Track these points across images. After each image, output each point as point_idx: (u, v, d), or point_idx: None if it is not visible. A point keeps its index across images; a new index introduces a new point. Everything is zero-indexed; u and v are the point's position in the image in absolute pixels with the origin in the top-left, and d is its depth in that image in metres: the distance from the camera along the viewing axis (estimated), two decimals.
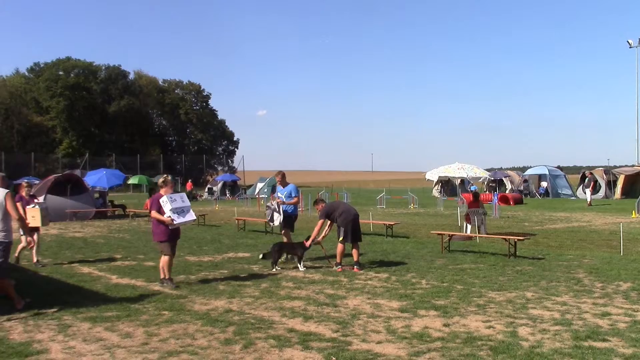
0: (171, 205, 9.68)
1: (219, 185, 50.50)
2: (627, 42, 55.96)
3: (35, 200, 12.88)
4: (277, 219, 12.49)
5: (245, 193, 47.63)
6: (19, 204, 11.03)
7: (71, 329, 7.03)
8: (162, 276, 9.92)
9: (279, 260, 11.70)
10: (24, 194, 12.41)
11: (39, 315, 7.75)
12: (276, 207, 12.47)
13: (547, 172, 44.32)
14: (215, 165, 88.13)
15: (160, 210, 9.68)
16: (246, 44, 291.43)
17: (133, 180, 47.80)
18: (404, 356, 5.91)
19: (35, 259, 12.22)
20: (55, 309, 8.01)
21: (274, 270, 11.32)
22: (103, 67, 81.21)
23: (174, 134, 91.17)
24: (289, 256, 12.13)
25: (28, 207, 12.08)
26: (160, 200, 9.72)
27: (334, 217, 11.61)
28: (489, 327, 6.99)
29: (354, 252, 11.49)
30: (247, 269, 11.59)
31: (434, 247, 14.36)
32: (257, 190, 47.93)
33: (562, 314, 7.59)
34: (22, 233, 10.62)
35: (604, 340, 6.36)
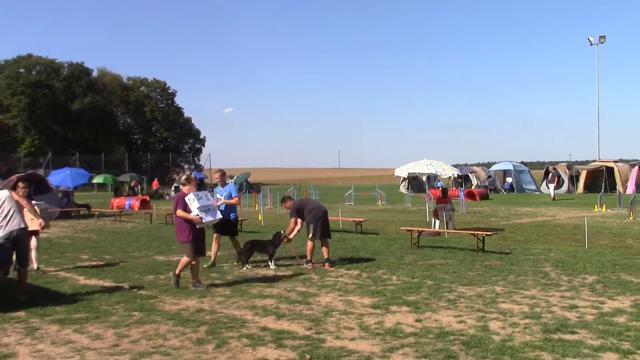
0: (198, 203, 9.26)
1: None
2: (588, 39, 57.10)
3: (33, 201, 11.71)
4: (207, 219, 10.16)
5: (212, 191, 47.30)
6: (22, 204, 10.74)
7: (39, 332, 6.89)
8: (174, 272, 9.57)
9: (249, 258, 11.65)
10: (20, 194, 11.27)
11: (5, 318, 7.57)
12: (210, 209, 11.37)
13: (512, 168, 45.00)
14: (182, 164, 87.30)
15: (186, 209, 9.27)
16: (212, 41, 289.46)
17: (98, 179, 47.04)
18: (377, 352, 5.93)
19: (35, 265, 11.13)
20: (22, 312, 7.83)
21: (245, 268, 11.27)
22: (66, 65, 79.65)
23: (139, 132, 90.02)
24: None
25: (25, 209, 11.15)
26: (186, 199, 9.29)
27: (304, 214, 11.58)
28: (461, 321, 7.06)
29: (324, 249, 11.50)
30: (218, 267, 11.51)
31: (403, 243, 14.45)
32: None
33: (531, 307, 7.71)
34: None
35: (573, 332, 6.48)
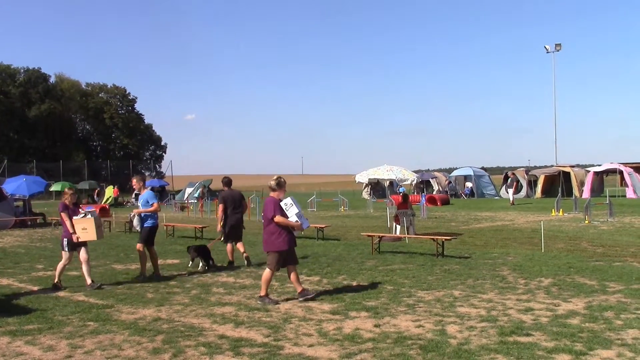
0: (297, 208, 8.74)
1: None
2: (545, 47, 58.46)
3: (82, 209, 10.83)
4: (305, 225, 10.20)
5: (174, 198, 46.72)
6: (64, 215, 10.23)
7: None
8: (262, 294, 8.76)
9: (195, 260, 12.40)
10: (67, 202, 10.44)
11: None
12: (134, 217, 11.39)
13: (472, 173, 45.65)
14: (143, 171, 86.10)
15: (282, 215, 8.70)
16: (173, 47, 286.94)
17: (56, 187, 46.17)
18: (335, 358, 5.92)
19: (89, 281, 10.15)
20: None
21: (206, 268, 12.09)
22: (22, 70, 77.98)
23: (99, 139, 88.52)
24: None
25: (77, 218, 10.30)
26: (282, 204, 8.73)
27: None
28: (419, 326, 7.10)
29: (239, 247, 12.63)
30: (177, 275, 11.37)
31: (364, 248, 14.50)
32: (186, 195, 47.18)
33: (488, 310, 7.81)
34: (64, 248, 10.33)
35: (528, 334, 6.58)
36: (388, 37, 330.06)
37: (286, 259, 8.86)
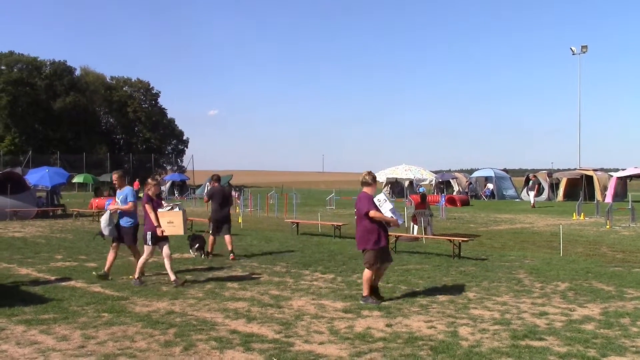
0: (390, 204, 8.51)
1: (167, 184, 49.75)
2: (571, 49, 57.75)
3: (165, 202, 10.36)
4: (106, 228, 10.46)
5: (194, 193, 47.05)
6: (148, 207, 9.71)
7: (4, 332, 6.79)
8: (365, 294, 8.43)
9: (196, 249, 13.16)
10: (151, 193, 9.97)
11: None
12: (107, 215, 10.54)
13: (493, 175, 45.25)
14: (164, 165, 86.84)
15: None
16: (197, 43, 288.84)
17: (78, 179, 46.75)
18: (345, 357, 5.92)
19: (172, 277, 9.70)
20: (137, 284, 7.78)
21: (208, 258, 12.84)
22: (48, 63, 78.94)
23: (122, 132, 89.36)
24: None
25: (163, 210, 9.82)
26: (376, 199, 8.48)
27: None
28: (431, 327, 7.07)
29: (226, 240, 12.95)
30: (192, 270, 11.43)
31: None
32: (206, 190, 47.47)
33: (501, 313, 7.75)
34: (147, 242, 9.82)
35: (541, 339, 6.51)
36: (413, 35, 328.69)
37: (382, 257, 8.56)
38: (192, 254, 13.17)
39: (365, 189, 8.65)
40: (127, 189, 10.60)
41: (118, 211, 10.46)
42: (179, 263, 12.20)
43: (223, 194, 13.36)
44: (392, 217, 8.43)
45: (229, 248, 12.93)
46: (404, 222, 8.53)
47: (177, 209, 9.92)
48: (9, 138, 71.34)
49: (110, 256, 10.52)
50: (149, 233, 9.77)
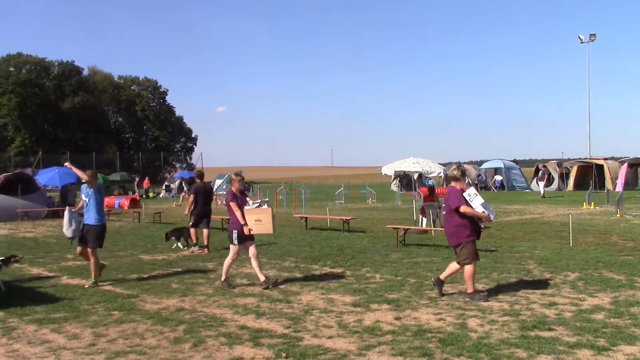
0: (481, 198, 8.27)
1: (177, 182, 49.85)
2: (579, 37, 57.33)
3: (250, 199, 9.68)
4: (69, 229, 10.14)
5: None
6: (233, 204, 9.16)
7: (16, 332, 6.85)
8: (470, 291, 8.17)
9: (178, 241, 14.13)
10: (235, 189, 9.42)
11: None
12: (68, 215, 10.15)
13: (502, 166, 45.08)
14: (173, 162, 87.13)
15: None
16: (204, 40, 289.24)
17: None
18: (354, 350, 5.93)
19: (262, 278, 9.26)
20: (0, 312, 7.79)
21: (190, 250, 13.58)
22: (56, 63, 79.36)
23: (131, 131, 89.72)
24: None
25: (250, 208, 9.30)
26: (466, 194, 8.27)
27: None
28: (440, 319, 7.07)
29: (205, 233, 13.72)
30: (202, 266, 11.48)
31: (389, 241, 14.45)
32: (215, 187, 47.54)
33: (511, 304, 7.73)
34: (233, 242, 9.26)
35: (550, 329, 6.50)
36: (420, 29, 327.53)
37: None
38: (179, 246, 14.13)
39: (454, 184, 8.49)
40: (97, 187, 9.91)
41: (83, 210, 9.91)
42: (188, 261, 12.27)
43: (205, 190, 14.24)
44: (483, 212, 8.16)
45: (205, 243, 13.72)
46: (495, 216, 8.29)
47: (265, 205, 9.49)
48: (19, 139, 71.81)
49: (91, 261, 9.74)
50: (234, 232, 9.23)
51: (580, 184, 39.89)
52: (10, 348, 6.25)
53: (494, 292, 8.54)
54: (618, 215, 20.20)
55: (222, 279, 9.43)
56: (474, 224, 8.28)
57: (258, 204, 9.48)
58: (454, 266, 8.46)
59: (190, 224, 13.97)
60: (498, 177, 44.27)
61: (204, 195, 13.99)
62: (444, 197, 8.65)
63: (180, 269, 11.13)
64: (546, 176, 36.90)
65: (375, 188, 40.18)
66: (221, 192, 41.15)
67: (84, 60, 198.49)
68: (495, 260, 11.39)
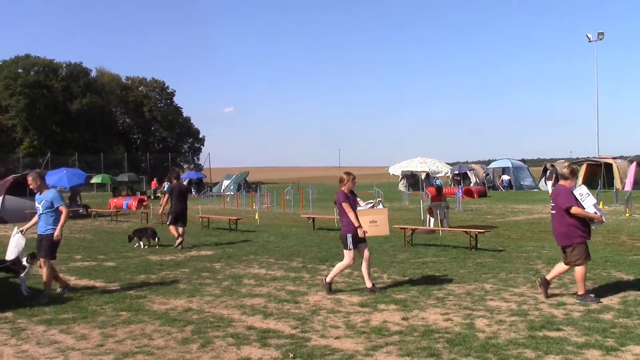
0: (594, 198, 8.06)
1: (184, 182, 50.00)
2: (587, 36, 57.05)
3: (361, 201, 9.16)
4: (14, 250, 9.41)
5: (211, 190, 47.27)
6: (346, 205, 8.61)
7: (25, 332, 6.89)
8: (581, 292, 7.86)
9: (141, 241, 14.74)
10: (346, 189, 8.86)
11: None
12: (18, 237, 9.45)
13: (510, 165, 44.94)
14: (181, 163, 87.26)
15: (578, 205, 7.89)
16: (212, 41, 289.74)
17: (96, 179, 47.08)
18: (361, 351, 5.92)
19: (369, 284, 8.72)
20: (9, 312, 7.83)
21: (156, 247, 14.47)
22: (64, 65, 79.57)
23: (138, 132, 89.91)
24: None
25: (363, 209, 8.89)
26: (577, 193, 8.06)
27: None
28: (447, 319, 7.06)
29: (179, 230, 14.50)
30: (210, 267, 11.50)
31: (397, 241, 14.43)
32: (223, 188, 47.65)
33: (519, 304, 7.71)
34: (348, 246, 8.64)
35: (558, 329, 6.47)
36: (427, 27, 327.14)
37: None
38: (143, 245, 14.76)
39: (563, 182, 8.28)
40: (51, 192, 9.22)
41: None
42: (196, 261, 12.29)
43: (180, 190, 15.12)
44: (595, 212, 7.89)
45: (180, 240, 14.48)
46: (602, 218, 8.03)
47: (380, 206, 9.05)
48: (27, 140, 72.11)
49: (43, 272, 9.00)
50: (349, 235, 8.59)
51: (588, 183, 39.58)
52: (20, 349, 6.28)
53: (501, 291, 8.52)
54: (627, 215, 20.10)
55: (328, 280, 8.81)
56: (585, 223, 8.02)
57: (372, 204, 9.09)
58: (561, 267, 8.20)
59: (168, 222, 14.93)
60: (505, 177, 44.14)
61: (178, 195, 14.81)
62: (552, 195, 8.37)
63: (188, 270, 11.16)
64: (554, 175, 36.72)
65: (383, 188, 40.16)
66: (229, 193, 41.28)
67: (91, 61, 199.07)
68: (503, 260, 11.36)
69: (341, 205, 8.70)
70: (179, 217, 14.71)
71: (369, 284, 8.71)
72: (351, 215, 8.59)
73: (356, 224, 8.55)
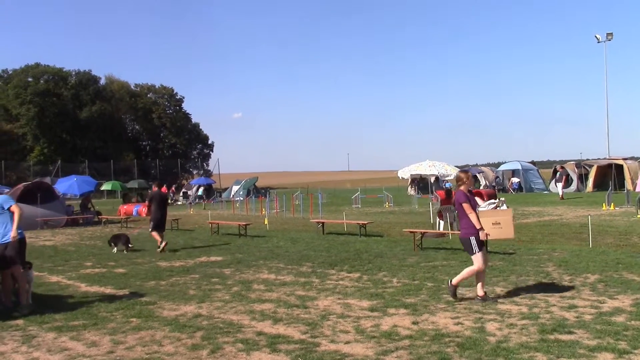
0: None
1: (194, 189, 50.10)
2: (596, 37, 56.80)
3: (481, 200, 8.24)
4: None
5: (220, 196, 47.35)
6: (467, 206, 8.11)
7: (36, 340, 6.91)
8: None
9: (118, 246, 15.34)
10: (465, 189, 8.32)
11: (4, 326, 7.60)
12: None
13: (520, 168, 44.75)
14: (191, 169, 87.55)
15: None
16: (220, 47, 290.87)
17: (106, 186, 47.32)
18: (371, 355, 5.90)
19: (481, 292, 8.18)
20: (21, 320, 7.86)
21: (124, 252, 15.00)
22: (73, 73, 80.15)
23: (148, 138, 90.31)
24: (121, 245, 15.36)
25: (484, 209, 8.28)
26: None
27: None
28: (458, 323, 7.02)
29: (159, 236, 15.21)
30: (219, 272, 11.50)
31: (406, 245, 14.40)
32: (232, 193, 47.71)
33: (529, 308, 7.65)
34: (474, 250, 8.11)
35: (570, 332, 6.42)
36: (434, 30, 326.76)
37: None
38: (117, 250, 15.31)
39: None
40: (2, 197, 8.79)
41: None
42: (206, 266, 12.30)
43: (160, 197, 15.80)
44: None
45: (164, 244, 15.03)
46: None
47: (504, 206, 8.35)
48: (38, 148, 72.60)
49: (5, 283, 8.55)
50: (472, 239, 8.09)
51: (599, 185, 39.46)
52: (30, 356, 6.30)
53: (512, 294, 8.47)
54: (638, 216, 19.95)
55: (480, 294, 8.16)
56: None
57: (494, 205, 8.32)
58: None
59: (150, 229, 15.62)
60: (515, 179, 43.95)
61: (158, 202, 15.60)
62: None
63: (197, 276, 11.17)
64: (564, 177, 36.59)
65: (392, 192, 40.05)
66: (238, 198, 41.31)
67: (100, 69, 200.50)
68: (514, 262, 11.29)
69: (461, 205, 8.19)
70: (159, 223, 15.46)
71: (480, 292, 8.17)
72: (472, 216, 8.10)
73: (478, 226, 8.06)
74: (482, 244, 8.16)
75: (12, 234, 8.42)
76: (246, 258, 13.29)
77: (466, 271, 8.32)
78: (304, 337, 6.64)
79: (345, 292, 9.07)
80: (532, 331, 6.54)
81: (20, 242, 8.62)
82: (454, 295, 8.27)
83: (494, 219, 8.32)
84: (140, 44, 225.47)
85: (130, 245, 15.49)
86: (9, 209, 8.54)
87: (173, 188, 51.07)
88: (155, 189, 16.31)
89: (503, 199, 9.68)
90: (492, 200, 8.49)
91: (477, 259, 8.12)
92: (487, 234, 8.17)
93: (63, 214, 25.50)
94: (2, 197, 8.77)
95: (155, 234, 15.39)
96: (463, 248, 8.53)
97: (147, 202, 16.23)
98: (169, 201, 46.93)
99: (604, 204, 25.06)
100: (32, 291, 9.16)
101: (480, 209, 8.18)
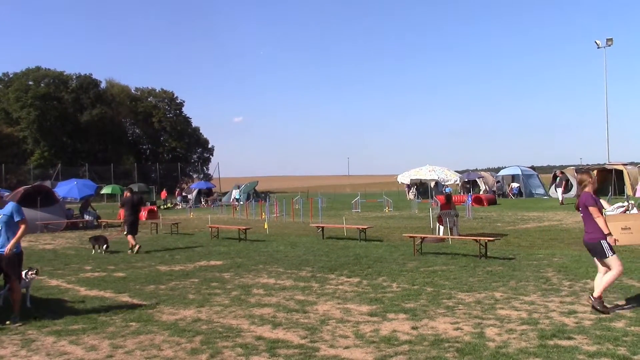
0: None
1: (194, 192, 50.09)
2: (595, 42, 56.82)
3: (606, 203, 7.42)
4: None
5: (220, 200, 47.32)
6: (594, 209, 7.73)
7: (35, 344, 6.91)
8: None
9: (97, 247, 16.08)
10: (591, 189, 7.99)
11: (3, 330, 7.60)
12: None
13: (519, 173, 44.75)
14: (191, 173, 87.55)
15: None
16: (220, 51, 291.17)
17: (107, 190, 47.27)
18: None
19: (598, 293, 7.70)
20: (20, 324, 7.85)
21: (101, 253, 15.78)
22: (74, 76, 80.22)
23: (148, 142, 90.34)
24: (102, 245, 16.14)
25: (613, 213, 7.55)
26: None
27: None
28: (457, 328, 7.01)
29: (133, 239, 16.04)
30: (219, 277, 11.50)
31: (406, 249, 14.39)
32: (232, 197, 47.69)
33: (529, 313, 7.65)
34: (607, 254, 7.62)
35: (569, 338, 6.42)
36: (435, 35, 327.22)
37: None
38: (98, 251, 16.06)
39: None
40: (9, 206, 8.37)
41: None
42: (205, 270, 12.30)
43: (132, 202, 16.68)
44: None
45: (129, 246, 16.05)
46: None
47: (634, 210, 7.67)
48: (38, 152, 72.61)
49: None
50: (603, 242, 7.63)
51: (599, 190, 39.32)
52: None
53: (511, 300, 8.46)
54: None
55: (595, 296, 7.67)
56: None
57: (624, 208, 7.96)
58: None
59: (125, 232, 16.54)
60: (515, 185, 43.96)
61: (130, 207, 16.53)
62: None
63: (197, 280, 11.16)
64: (564, 182, 36.56)
65: (392, 196, 40.10)
66: (237, 202, 41.29)
67: (101, 73, 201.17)
68: (513, 268, 11.29)
69: (588, 209, 7.68)
70: (132, 226, 16.34)
71: (597, 293, 7.66)
72: (600, 221, 7.59)
73: (606, 231, 7.59)
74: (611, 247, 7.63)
75: (9, 246, 8.07)
76: (246, 262, 13.28)
77: (607, 280, 7.62)
78: (303, 342, 6.63)
79: (345, 297, 9.06)
80: (531, 337, 6.53)
81: (17, 255, 8.27)
82: (604, 309, 7.46)
83: (623, 224, 7.67)
84: (141, 48, 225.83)
85: (107, 246, 16.19)
86: (17, 222, 8.25)
87: (165, 192, 51.00)
88: (127, 194, 17.08)
89: (633, 202, 8.63)
90: (621, 204, 7.94)
91: (614, 262, 7.59)
92: (615, 240, 7.59)
93: (63, 217, 25.48)
94: (14, 205, 8.36)
95: (130, 237, 16.17)
96: (591, 254, 7.98)
97: (120, 207, 17.13)
98: (171, 205, 47.26)
99: (603, 210, 24.99)
100: (30, 294, 9.19)
101: (607, 212, 7.59)
